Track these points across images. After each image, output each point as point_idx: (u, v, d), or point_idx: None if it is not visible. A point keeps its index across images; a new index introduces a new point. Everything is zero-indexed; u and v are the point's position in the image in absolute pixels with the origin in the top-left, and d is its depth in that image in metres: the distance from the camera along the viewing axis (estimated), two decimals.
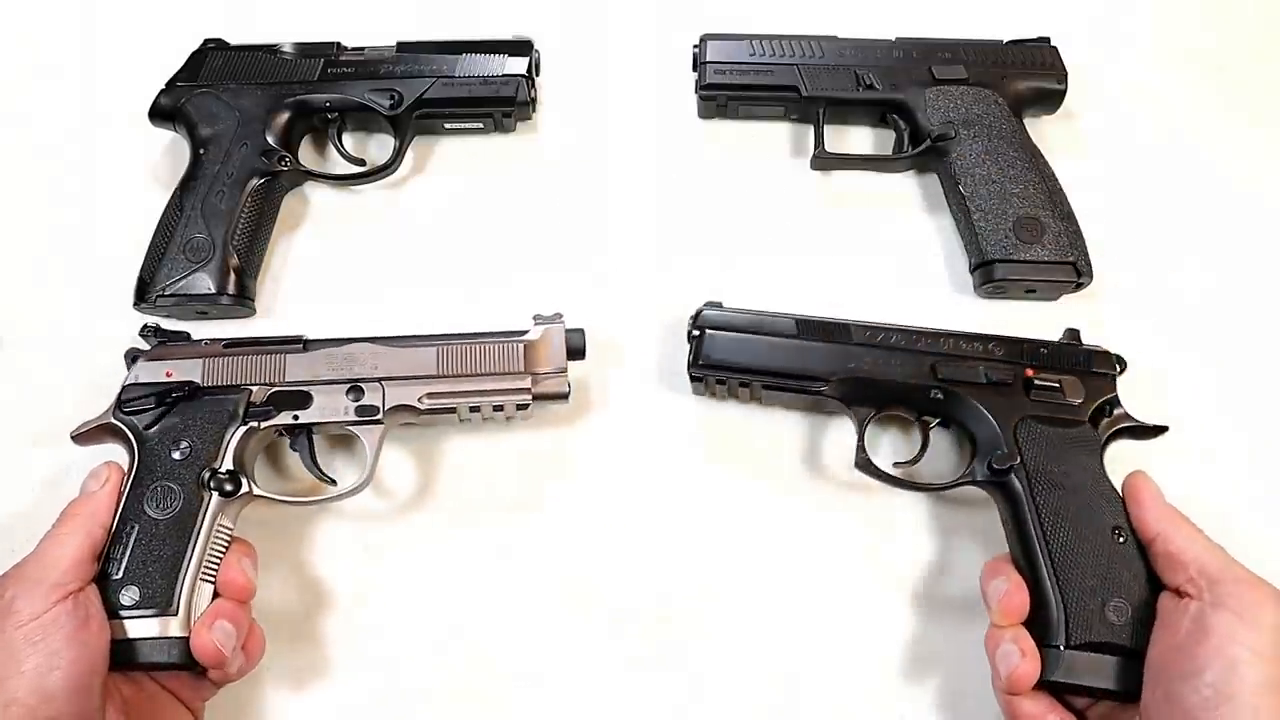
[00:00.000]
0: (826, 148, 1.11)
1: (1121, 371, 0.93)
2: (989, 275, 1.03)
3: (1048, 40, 1.12)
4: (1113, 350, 0.94)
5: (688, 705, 0.92)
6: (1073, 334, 0.96)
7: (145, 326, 0.96)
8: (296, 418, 0.91)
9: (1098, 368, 0.92)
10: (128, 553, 0.83)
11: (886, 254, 1.10)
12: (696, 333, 0.96)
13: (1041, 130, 1.12)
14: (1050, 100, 1.11)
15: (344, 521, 0.98)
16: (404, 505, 0.99)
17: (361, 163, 1.12)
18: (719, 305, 0.97)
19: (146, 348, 0.94)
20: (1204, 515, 0.82)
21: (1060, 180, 1.05)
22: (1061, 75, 1.10)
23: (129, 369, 0.92)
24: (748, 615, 0.95)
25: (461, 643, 0.94)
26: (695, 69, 1.14)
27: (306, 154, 1.14)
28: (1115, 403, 0.91)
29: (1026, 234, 1.02)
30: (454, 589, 0.96)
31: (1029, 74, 1.10)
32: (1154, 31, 1.19)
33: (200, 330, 0.99)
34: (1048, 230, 1.02)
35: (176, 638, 0.81)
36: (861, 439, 0.94)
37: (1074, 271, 1.01)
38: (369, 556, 0.97)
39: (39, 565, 0.77)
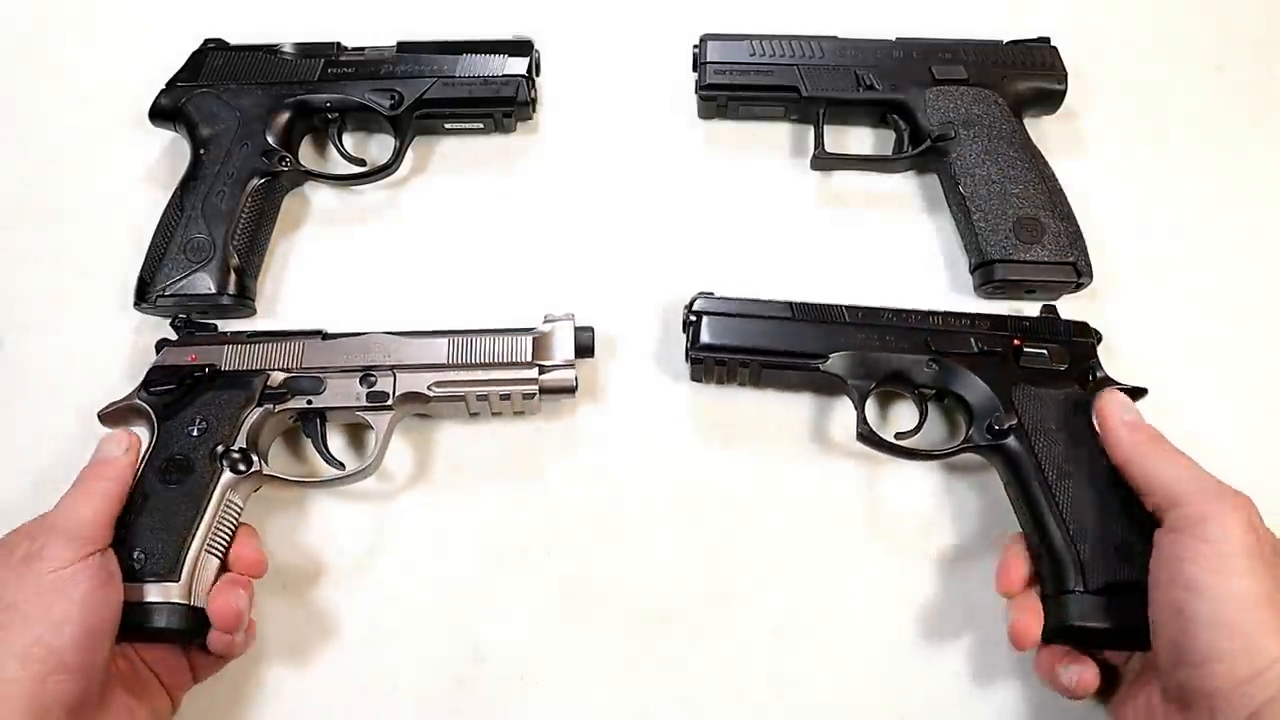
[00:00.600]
0: (826, 148, 1.11)
1: (1098, 342, 0.97)
2: (989, 275, 1.03)
3: (1048, 40, 1.12)
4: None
5: (696, 682, 0.92)
6: (1049, 309, 1.00)
7: (176, 317, 0.99)
8: (310, 402, 0.95)
9: (1078, 336, 0.97)
10: (138, 519, 0.86)
11: (886, 254, 1.10)
12: (693, 318, 0.98)
13: (1041, 130, 1.12)
14: (1050, 100, 1.11)
15: (342, 507, 0.99)
16: (404, 490, 1.00)
17: (362, 163, 1.12)
18: (711, 294, 0.99)
19: (175, 337, 0.98)
20: None
21: (1060, 180, 1.05)
22: (1061, 75, 1.10)
23: (158, 354, 0.96)
24: (758, 597, 0.96)
25: (459, 635, 0.94)
26: (695, 69, 1.14)
27: (307, 154, 1.14)
28: (1097, 367, 0.95)
29: (1026, 234, 1.02)
30: (451, 582, 0.96)
31: (1029, 74, 1.10)
32: (1153, 31, 1.19)
33: (224, 325, 1.01)
34: (1048, 230, 1.02)
35: (176, 604, 0.83)
36: (861, 412, 0.96)
37: (1074, 271, 1.02)
38: (367, 545, 0.98)
39: (66, 518, 0.80)
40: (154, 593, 0.83)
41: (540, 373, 0.96)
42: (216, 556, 0.87)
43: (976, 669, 0.93)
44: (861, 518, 0.98)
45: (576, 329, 0.98)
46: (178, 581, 0.84)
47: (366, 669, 0.93)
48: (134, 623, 0.81)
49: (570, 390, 0.96)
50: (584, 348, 0.98)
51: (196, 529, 0.86)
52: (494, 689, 0.92)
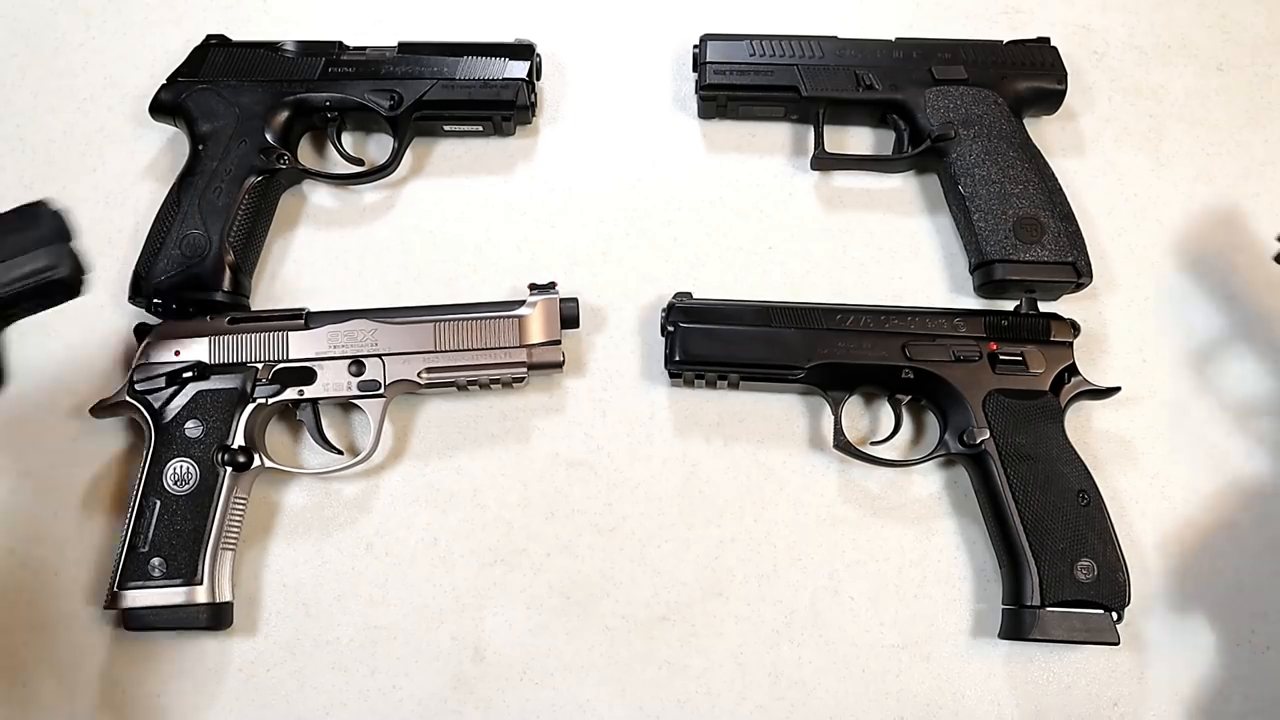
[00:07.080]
0: (826, 148, 1.11)
1: (1076, 335, 0.98)
2: (989, 275, 1.03)
3: (1047, 40, 1.12)
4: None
5: (696, 681, 0.92)
6: (1030, 303, 1.00)
7: (154, 303, 0.98)
8: (302, 393, 0.96)
9: (1056, 335, 0.98)
10: (152, 526, 0.89)
11: (886, 254, 1.10)
12: (670, 328, 0.98)
13: (1041, 130, 1.12)
14: (1050, 100, 1.11)
15: (339, 504, 0.99)
16: (403, 489, 1.00)
17: (360, 163, 1.12)
18: (688, 295, 1.00)
19: (155, 322, 0.98)
20: None
21: (1060, 180, 1.05)
22: (1061, 75, 1.10)
23: (139, 344, 0.96)
24: (757, 597, 0.96)
25: (459, 635, 0.94)
26: (695, 69, 1.14)
27: (305, 153, 1.14)
28: (1073, 369, 0.97)
29: (1026, 234, 1.02)
30: (451, 582, 0.96)
31: (1029, 74, 1.09)
32: (1153, 31, 1.19)
33: None
34: (1048, 230, 1.02)
35: (204, 604, 0.88)
36: (838, 421, 0.97)
37: (1074, 271, 1.01)
38: (365, 544, 0.98)
39: None
40: (180, 596, 0.88)
41: (528, 354, 0.97)
42: (232, 550, 0.91)
43: (976, 668, 0.93)
44: (860, 515, 0.98)
45: (561, 301, 0.99)
46: (201, 584, 0.88)
47: (367, 669, 0.93)
48: (164, 624, 0.87)
49: (558, 366, 0.98)
50: (569, 319, 0.99)
51: (210, 533, 0.90)
52: (494, 689, 0.92)
